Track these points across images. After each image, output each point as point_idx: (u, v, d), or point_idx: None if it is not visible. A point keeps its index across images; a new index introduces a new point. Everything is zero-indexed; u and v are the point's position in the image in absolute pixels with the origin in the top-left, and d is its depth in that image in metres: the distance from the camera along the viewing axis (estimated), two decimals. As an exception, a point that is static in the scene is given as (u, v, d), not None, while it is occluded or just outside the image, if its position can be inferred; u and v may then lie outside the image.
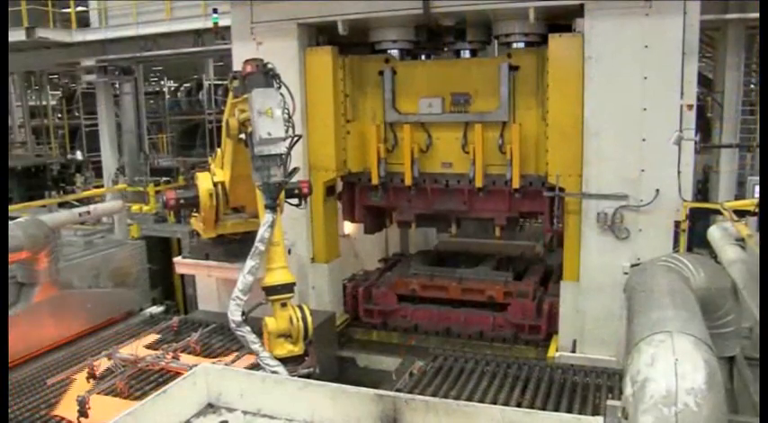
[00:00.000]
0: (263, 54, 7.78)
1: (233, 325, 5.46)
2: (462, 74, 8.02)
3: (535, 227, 10.26)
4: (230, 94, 6.30)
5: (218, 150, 7.05)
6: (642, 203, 6.82)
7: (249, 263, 5.43)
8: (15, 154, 20.15)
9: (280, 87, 5.58)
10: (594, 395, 5.58)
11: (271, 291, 5.44)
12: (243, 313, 5.43)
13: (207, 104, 22.12)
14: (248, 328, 5.45)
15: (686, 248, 6.97)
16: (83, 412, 5.00)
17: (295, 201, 6.50)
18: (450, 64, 8.33)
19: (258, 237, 5.43)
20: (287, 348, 5.45)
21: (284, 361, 5.39)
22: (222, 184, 6.76)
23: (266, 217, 5.42)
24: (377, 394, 3.66)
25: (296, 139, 5.58)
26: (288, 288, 5.49)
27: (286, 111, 5.46)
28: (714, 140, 10.76)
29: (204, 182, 6.78)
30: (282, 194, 6.33)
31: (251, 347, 5.46)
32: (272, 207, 5.41)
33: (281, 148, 5.39)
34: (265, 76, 5.57)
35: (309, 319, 5.47)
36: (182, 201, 6.88)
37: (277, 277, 5.46)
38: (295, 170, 5.64)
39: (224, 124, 6.26)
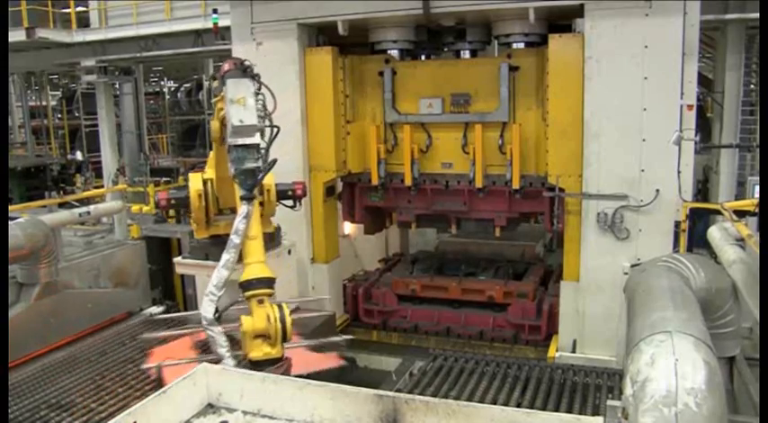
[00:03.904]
0: (263, 54, 7.83)
1: (204, 322, 5.03)
2: (462, 74, 8.02)
3: (535, 227, 10.24)
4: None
5: (213, 150, 7.00)
6: (642, 204, 6.82)
7: (224, 256, 5.09)
8: (15, 154, 20.21)
9: (260, 87, 5.33)
10: (594, 395, 5.57)
11: (246, 286, 4.98)
12: (216, 310, 5.05)
13: (207, 104, 22.18)
14: (219, 329, 5.04)
15: (686, 248, 6.97)
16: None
17: (290, 202, 6.44)
18: (450, 64, 8.32)
19: (233, 229, 5.09)
20: (263, 350, 4.95)
21: (260, 364, 4.91)
22: (212, 181, 6.54)
23: (242, 208, 5.06)
24: (377, 394, 3.65)
25: (275, 131, 5.26)
26: (264, 283, 4.99)
27: (261, 101, 5.19)
28: (714, 140, 10.76)
29: (195, 182, 6.71)
30: (274, 195, 6.27)
31: (218, 351, 5.01)
32: (248, 198, 5.08)
33: (256, 138, 5.10)
34: (243, 73, 5.31)
35: (288, 319, 4.94)
36: (173, 201, 6.80)
37: (253, 272, 5.00)
38: (273, 162, 5.26)
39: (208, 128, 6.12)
